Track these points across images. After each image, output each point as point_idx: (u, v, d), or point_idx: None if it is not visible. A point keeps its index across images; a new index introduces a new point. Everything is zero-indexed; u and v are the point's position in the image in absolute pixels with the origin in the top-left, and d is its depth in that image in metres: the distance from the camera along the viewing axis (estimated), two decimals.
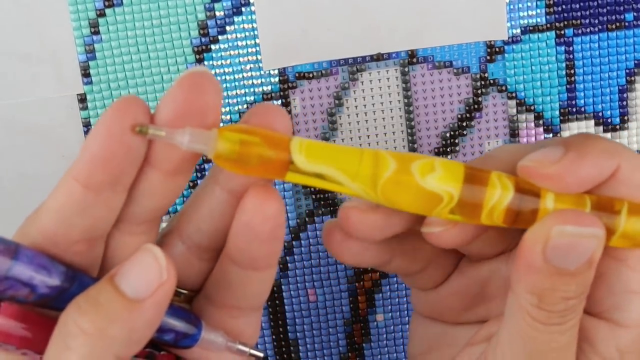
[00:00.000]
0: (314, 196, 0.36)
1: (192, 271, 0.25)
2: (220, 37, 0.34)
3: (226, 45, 0.34)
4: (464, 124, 0.35)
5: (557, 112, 0.35)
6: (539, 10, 0.34)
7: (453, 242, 0.24)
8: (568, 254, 0.22)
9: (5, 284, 0.20)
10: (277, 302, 0.36)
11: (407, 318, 0.37)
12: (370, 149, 0.22)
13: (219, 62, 0.34)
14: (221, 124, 0.35)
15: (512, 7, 0.34)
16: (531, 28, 0.34)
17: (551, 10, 0.34)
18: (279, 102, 0.34)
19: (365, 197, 0.22)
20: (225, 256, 0.24)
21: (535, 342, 0.23)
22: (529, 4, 0.34)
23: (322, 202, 0.36)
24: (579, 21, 0.34)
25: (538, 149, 0.23)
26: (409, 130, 0.35)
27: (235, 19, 0.34)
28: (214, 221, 0.24)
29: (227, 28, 0.34)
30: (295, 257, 0.36)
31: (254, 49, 0.34)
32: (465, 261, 0.28)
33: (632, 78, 0.35)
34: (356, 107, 0.35)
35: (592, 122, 0.36)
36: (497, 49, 0.35)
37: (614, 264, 0.23)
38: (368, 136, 0.35)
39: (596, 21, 0.35)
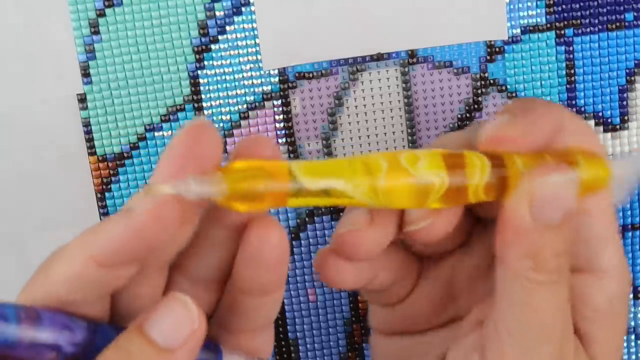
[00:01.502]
0: None
1: (202, 303, 0.25)
2: (220, 37, 0.34)
3: (226, 45, 0.34)
4: (464, 124, 0.35)
5: None
6: (539, 10, 0.34)
7: (443, 231, 0.24)
8: (553, 204, 0.23)
9: (31, 351, 0.20)
10: None
11: None
12: (356, 157, 0.22)
13: (219, 62, 0.34)
14: (220, 124, 0.35)
15: (512, 7, 0.34)
16: (531, 28, 0.34)
17: (551, 10, 0.34)
18: (279, 102, 0.34)
19: (368, 203, 0.22)
20: (233, 286, 0.24)
21: (538, 306, 0.23)
22: (529, 4, 0.34)
23: None
24: (579, 21, 0.34)
25: (487, 123, 0.24)
26: (409, 130, 0.35)
27: (235, 19, 0.34)
28: (216, 256, 0.24)
29: (227, 28, 0.34)
30: (295, 257, 0.36)
31: (254, 49, 0.34)
32: (428, 265, 0.28)
33: (632, 78, 0.35)
34: (356, 107, 0.35)
35: (592, 122, 0.36)
36: (497, 49, 0.35)
37: (580, 218, 0.25)
38: (368, 136, 0.35)
39: (596, 21, 0.35)
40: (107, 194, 0.35)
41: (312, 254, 0.36)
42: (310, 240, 0.36)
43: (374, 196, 0.22)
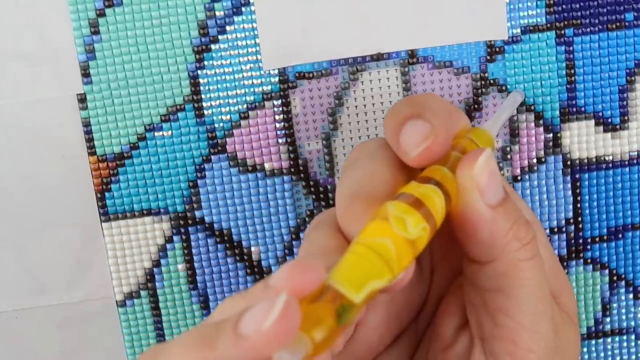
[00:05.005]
0: (314, 196, 0.36)
1: None
2: (220, 37, 0.34)
3: (226, 45, 0.34)
4: None
5: (557, 112, 0.35)
6: (539, 10, 0.34)
7: (412, 272, 0.24)
8: (494, 185, 0.23)
9: None
10: None
11: None
12: (358, 246, 0.22)
13: (219, 62, 0.34)
14: (220, 124, 0.35)
15: (512, 7, 0.34)
16: (531, 28, 0.34)
17: (551, 10, 0.34)
18: (279, 102, 0.34)
19: (389, 282, 0.22)
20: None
21: (536, 283, 0.24)
22: (529, 3, 0.34)
23: (322, 202, 0.36)
24: (579, 21, 0.34)
25: (408, 133, 0.25)
26: None
27: (235, 19, 0.34)
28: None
29: (227, 28, 0.34)
30: (296, 256, 0.36)
31: (254, 49, 0.34)
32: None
33: (632, 78, 0.35)
34: (356, 107, 0.35)
35: (592, 122, 0.36)
36: (497, 49, 0.35)
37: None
38: (368, 136, 0.35)
39: (596, 21, 0.35)
40: (107, 194, 0.35)
41: None
42: None
43: (392, 274, 0.22)
